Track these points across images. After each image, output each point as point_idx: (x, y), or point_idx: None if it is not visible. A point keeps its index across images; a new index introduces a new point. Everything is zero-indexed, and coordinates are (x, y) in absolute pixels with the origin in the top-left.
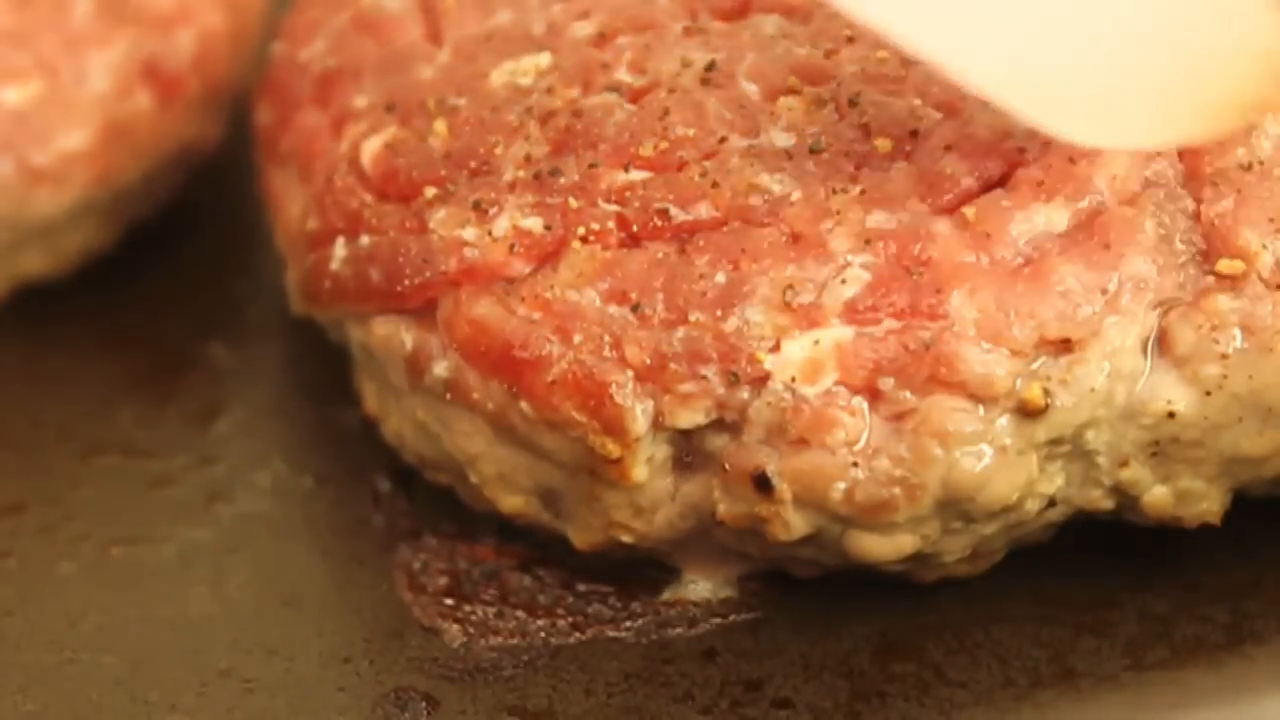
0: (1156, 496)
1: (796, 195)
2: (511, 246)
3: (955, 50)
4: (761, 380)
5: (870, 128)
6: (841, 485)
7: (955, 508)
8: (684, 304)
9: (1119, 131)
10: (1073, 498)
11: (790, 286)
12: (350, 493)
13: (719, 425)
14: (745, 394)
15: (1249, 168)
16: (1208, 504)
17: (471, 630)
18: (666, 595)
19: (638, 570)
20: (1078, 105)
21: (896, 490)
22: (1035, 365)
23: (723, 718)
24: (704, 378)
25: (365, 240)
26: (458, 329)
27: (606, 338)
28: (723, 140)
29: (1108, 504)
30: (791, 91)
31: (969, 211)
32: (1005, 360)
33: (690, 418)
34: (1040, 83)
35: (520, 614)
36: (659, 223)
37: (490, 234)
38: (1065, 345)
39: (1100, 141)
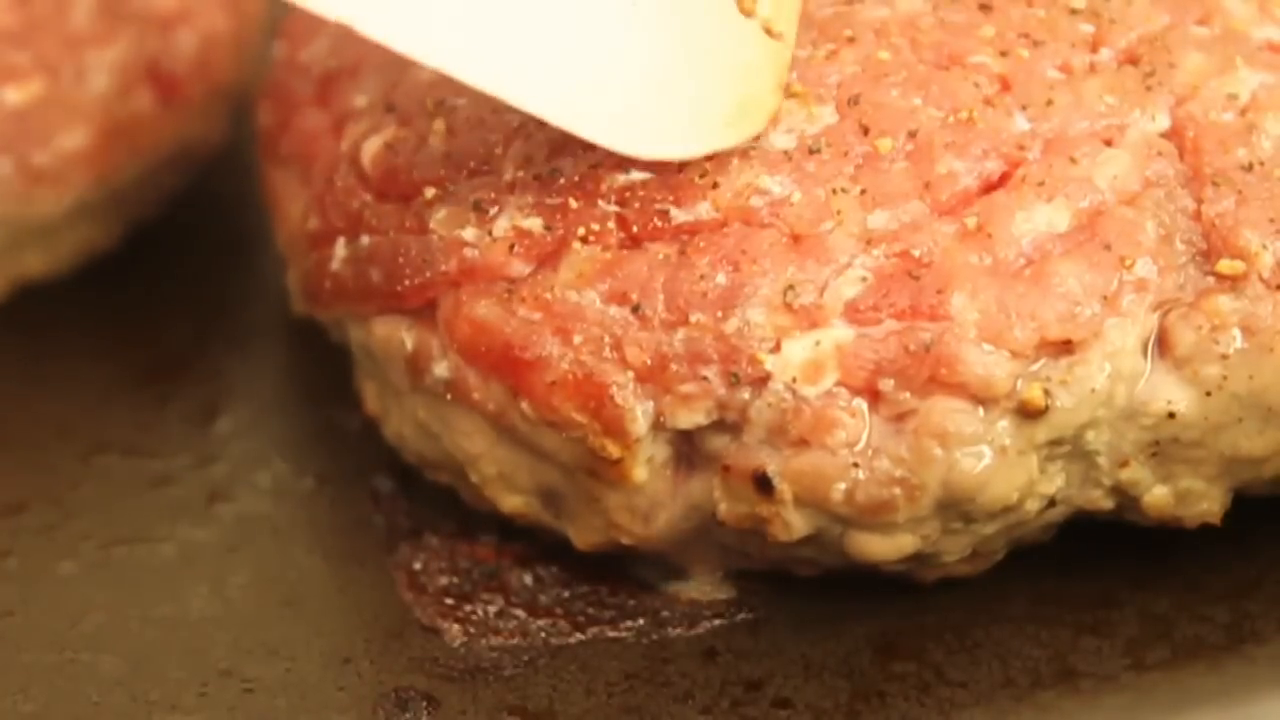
0: (1156, 496)
1: (796, 195)
2: (511, 246)
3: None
4: (762, 381)
5: (870, 128)
6: (842, 486)
7: (955, 508)
8: (684, 305)
9: (643, 140)
10: (1073, 498)
11: (791, 287)
12: (350, 493)
13: (720, 426)
14: (746, 394)
15: (1249, 168)
16: (1208, 504)
17: (472, 630)
18: (667, 595)
19: (638, 570)
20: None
21: (896, 490)
22: (1036, 366)
23: (723, 718)
24: (705, 378)
25: (365, 240)
26: (458, 329)
27: (607, 338)
28: None
29: (1108, 504)
30: (791, 92)
31: (970, 212)
32: (1006, 361)
33: (691, 418)
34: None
35: (521, 614)
36: (659, 223)
37: (490, 234)
38: (1066, 346)
39: (630, 149)
